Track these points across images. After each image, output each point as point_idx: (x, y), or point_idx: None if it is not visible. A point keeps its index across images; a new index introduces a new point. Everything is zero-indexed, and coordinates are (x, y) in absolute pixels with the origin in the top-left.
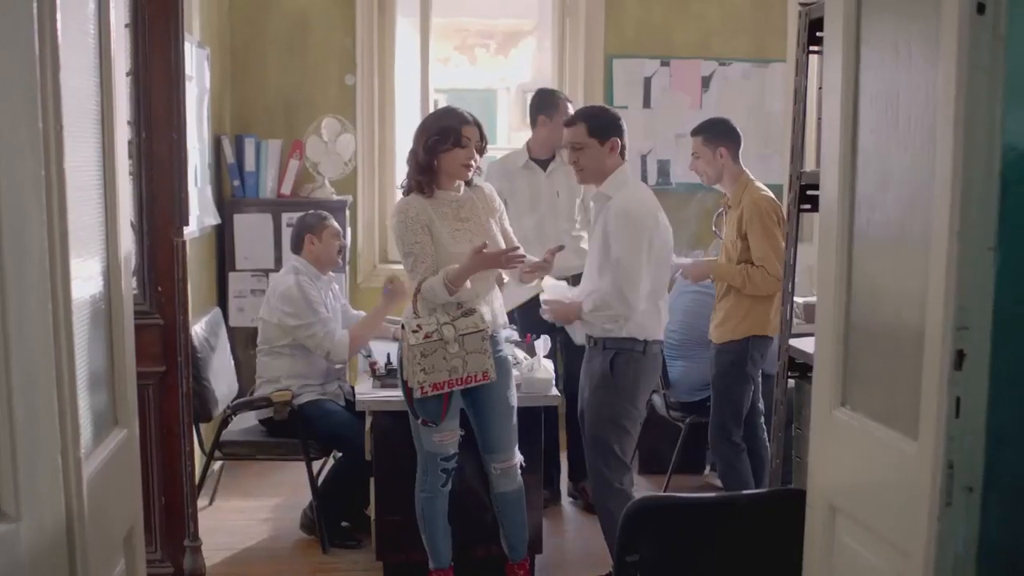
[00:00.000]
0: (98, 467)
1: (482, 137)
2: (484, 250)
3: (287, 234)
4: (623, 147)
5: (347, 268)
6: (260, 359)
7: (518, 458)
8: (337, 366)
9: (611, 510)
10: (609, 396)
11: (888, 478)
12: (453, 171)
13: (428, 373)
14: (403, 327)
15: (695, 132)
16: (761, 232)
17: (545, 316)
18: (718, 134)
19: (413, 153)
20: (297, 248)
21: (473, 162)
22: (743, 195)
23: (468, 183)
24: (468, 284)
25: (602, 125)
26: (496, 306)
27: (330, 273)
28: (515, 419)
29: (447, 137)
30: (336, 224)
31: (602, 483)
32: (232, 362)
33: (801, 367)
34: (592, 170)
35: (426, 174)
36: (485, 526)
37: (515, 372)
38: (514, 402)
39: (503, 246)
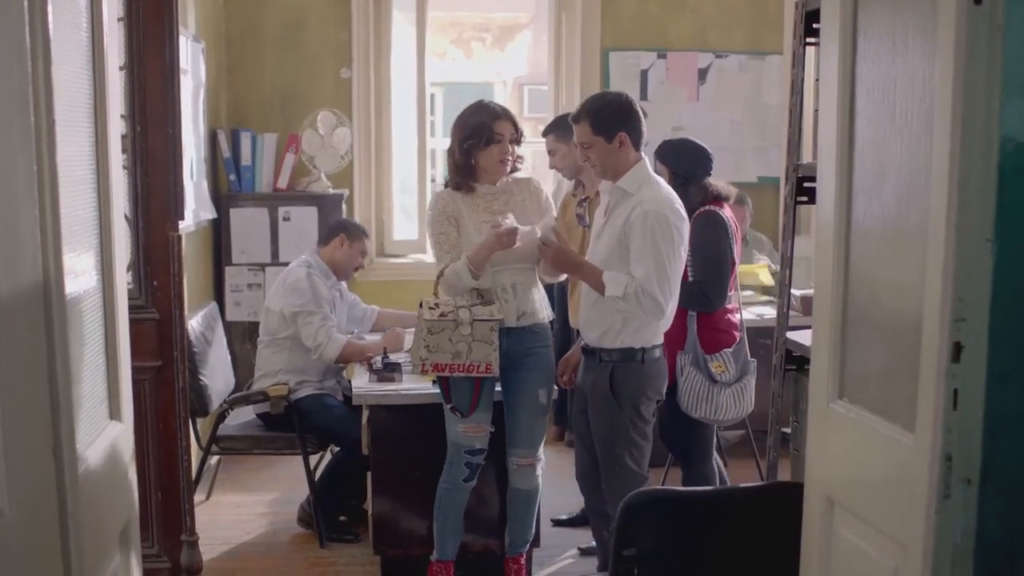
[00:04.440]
0: (93, 462)
1: (516, 128)
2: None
3: (284, 228)
4: (637, 137)
5: None
6: (260, 351)
7: (540, 458)
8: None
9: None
10: (613, 411)
11: (886, 471)
12: (491, 168)
13: (432, 352)
14: (420, 305)
15: (546, 132)
16: None
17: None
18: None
19: (450, 152)
20: (326, 241)
21: (509, 157)
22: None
23: (513, 174)
24: (491, 270)
25: (606, 121)
26: (533, 301)
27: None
28: (544, 418)
29: (480, 135)
30: (369, 246)
31: (619, 499)
32: (229, 357)
33: (798, 360)
34: (606, 167)
35: (463, 172)
36: (485, 520)
37: None
38: (545, 401)
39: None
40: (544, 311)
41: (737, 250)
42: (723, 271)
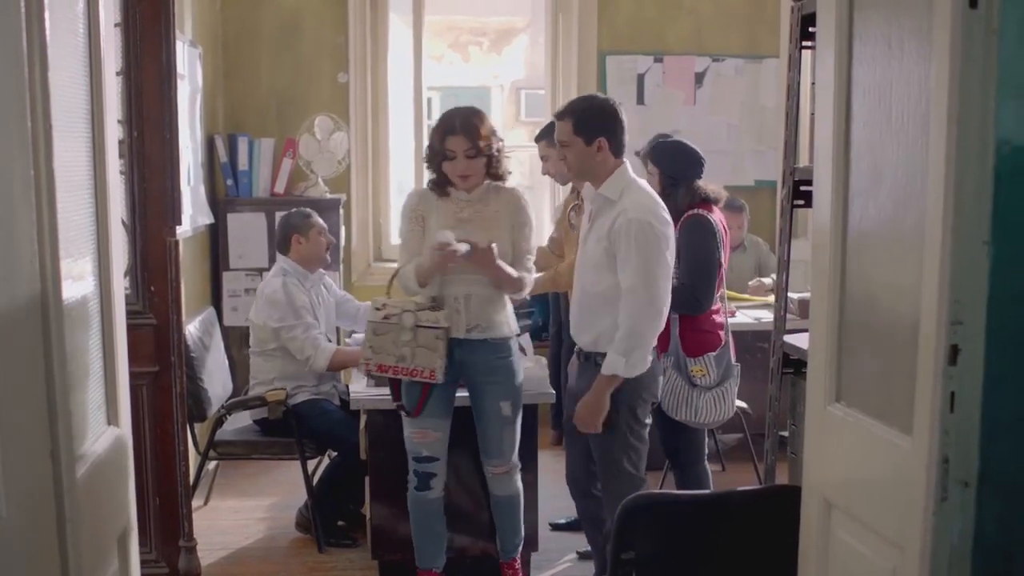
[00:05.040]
0: (91, 467)
1: (474, 142)
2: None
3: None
4: (618, 145)
5: (341, 267)
6: (253, 360)
7: (516, 464)
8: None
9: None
10: (609, 415)
11: (883, 473)
12: (454, 180)
13: (376, 352)
14: (371, 303)
15: (538, 138)
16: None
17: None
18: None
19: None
20: (284, 249)
21: (467, 172)
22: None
23: (501, 180)
24: (445, 279)
25: (588, 122)
26: (488, 314)
27: (319, 270)
28: (512, 428)
29: (434, 154)
30: (321, 221)
31: (616, 502)
32: (226, 362)
33: (796, 363)
34: (580, 170)
35: (437, 178)
36: (480, 525)
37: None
38: (509, 412)
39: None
40: (505, 326)
41: (725, 254)
42: (711, 273)
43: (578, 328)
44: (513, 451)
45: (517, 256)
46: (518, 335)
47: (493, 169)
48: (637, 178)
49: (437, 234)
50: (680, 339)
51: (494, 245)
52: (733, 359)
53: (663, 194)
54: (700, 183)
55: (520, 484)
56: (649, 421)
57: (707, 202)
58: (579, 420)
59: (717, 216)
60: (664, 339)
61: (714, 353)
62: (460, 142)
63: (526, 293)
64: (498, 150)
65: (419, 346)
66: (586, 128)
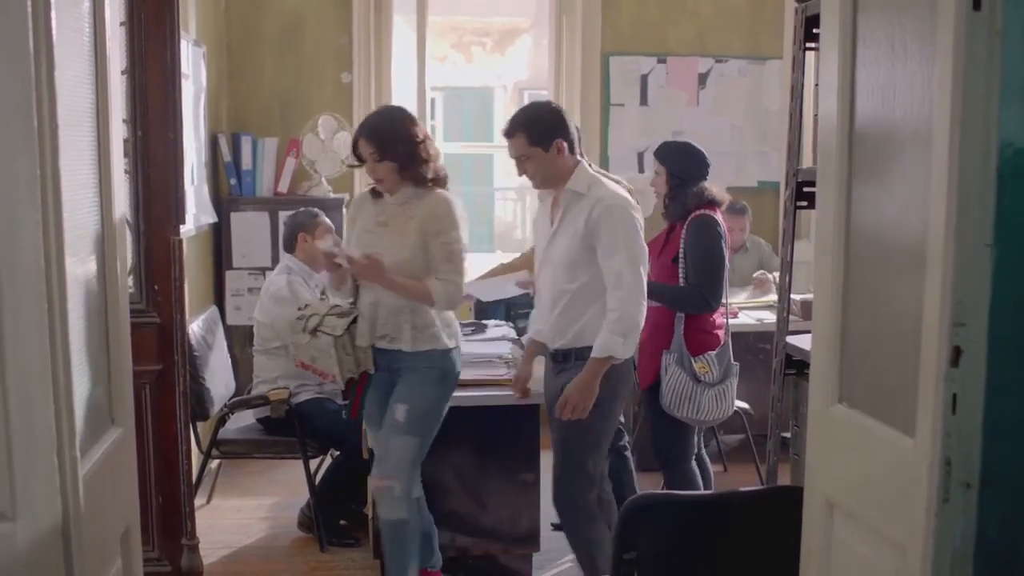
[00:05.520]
0: (94, 466)
1: (373, 146)
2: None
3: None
4: (572, 143)
5: None
6: (256, 359)
7: (395, 483)
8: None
9: (578, 532)
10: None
11: (885, 475)
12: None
13: (297, 348)
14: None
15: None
16: None
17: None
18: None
19: None
20: (290, 247)
21: (376, 176)
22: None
23: (424, 185)
24: (362, 285)
25: (541, 131)
26: (398, 324)
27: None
28: (401, 438)
29: (356, 157)
30: (329, 221)
31: (569, 501)
32: (229, 361)
33: (798, 364)
34: (545, 177)
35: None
36: (480, 525)
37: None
38: (402, 418)
39: (404, 261)
40: (424, 338)
41: (727, 256)
42: (720, 273)
43: (555, 329)
44: (398, 466)
45: (432, 264)
46: (448, 350)
47: (409, 173)
48: (596, 172)
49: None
50: (684, 336)
51: (374, 254)
52: (732, 358)
53: (670, 194)
54: (706, 184)
55: (407, 515)
56: (619, 420)
57: (712, 204)
58: (571, 403)
59: (720, 218)
60: (667, 336)
61: (715, 351)
62: (365, 146)
63: (444, 305)
64: (419, 154)
65: (319, 349)
66: (541, 136)
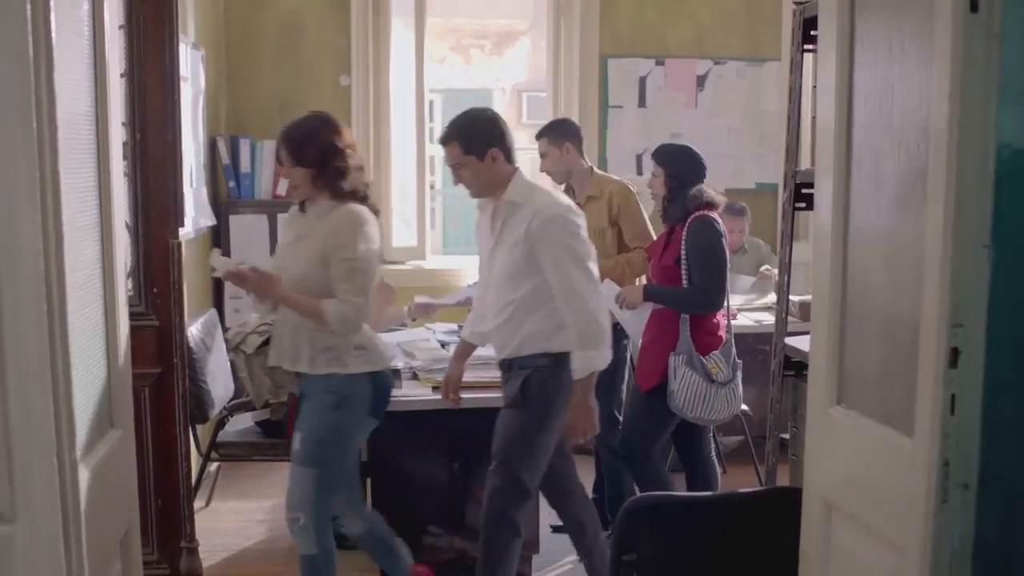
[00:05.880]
0: (94, 469)
1: (284, 150)
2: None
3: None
4: (508, 152)
5: None
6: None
7: (299, 517)
8: None
9: (496, 542)
10: (521, 418)
11: (884, 476)
12: None
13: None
14: None
15: (539, 135)
16: (635, 214)
17: (617, 303)
18: (562, 132)
19: None
20: None
21: (289, 182)
22: (605, 185)
23: (341, 198)
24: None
25: (476, 140)
26: (292, 342)
27: None
28: (299, 471)
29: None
30: None
31: (496, 511)
32: (228, 363)
33: (797, 365)
34: (481, 186)
35: None
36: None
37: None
38: (298, 446)
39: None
40: (318, 364)
41: (728, 256)
42: (722, 272)
43: (500, 340)
44: (301, 499)
45: (332, 282)
46: (354, 375)
47: (324, 183)
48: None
49: (212, 259)
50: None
51: (250, 267)
52: (736, 355)
53: (669, 196)
54: (703, 187)
55: (316, 550)
56: (559, 432)
57: (710, 206)
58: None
59: (719, 219)
60: (671, 338)
61: (719, 351)
62: (280, 149)
63: (339, 327)
64: (335, 163)
65: (239, 367)
66: (475, 144)
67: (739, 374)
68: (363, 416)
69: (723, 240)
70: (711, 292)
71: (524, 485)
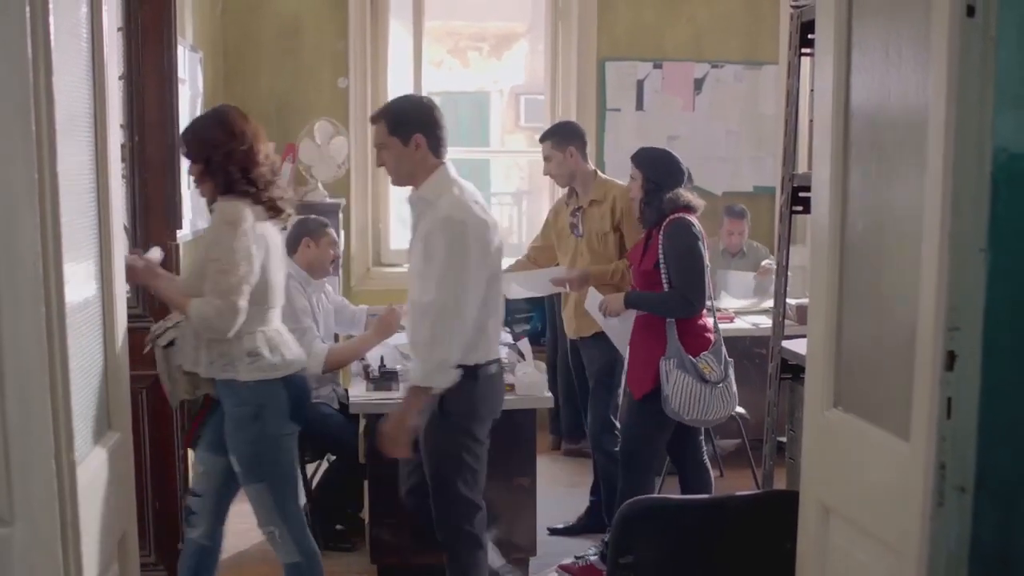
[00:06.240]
0: (92, 471)
1: (184, 143)
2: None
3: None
4: (436, 144)
5: (340, 271)
6: None
7: (272, 530)
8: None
9: (460, 558)
10: (443, 433)
11: (880, 479)
12: None
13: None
14: None
15: (543, 138)
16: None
17: (601, 311)
18: (565, 136)
19: None
20: (292, 250)
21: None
22: (608, 189)
23: (228, 195)
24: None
25: (403, 121)
26: (189, 348)
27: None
28: (253, 491)
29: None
30: (335, 234)
31: (450, 528)
32: None
33: (794, 368)
34: (400, 172)
35: None
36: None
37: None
38: (239, 470)
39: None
40: (214, 368)
41: (707, 257)
42: (700, 274)
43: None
44: (266, 518)
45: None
46: (248, 383)
47: (212, 179)
48: (463, 181)
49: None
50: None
51: (140, 256)
52: (727, 355)
53: (645, 199)
54: (681, 190)
55: (299, 557)
56: (487, 441)
57: (688, 208)
58: (381, 439)
59: (696, 222)
60: (658, 343)
61: (708, 351)
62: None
63: (201, 327)
64: (223, 161)
65: (157, 364)
66: (401, 127)
67: (732, 373)
68: (285, 422)
69: (700, 242)
70: (690, 295)
71: (464, 495)
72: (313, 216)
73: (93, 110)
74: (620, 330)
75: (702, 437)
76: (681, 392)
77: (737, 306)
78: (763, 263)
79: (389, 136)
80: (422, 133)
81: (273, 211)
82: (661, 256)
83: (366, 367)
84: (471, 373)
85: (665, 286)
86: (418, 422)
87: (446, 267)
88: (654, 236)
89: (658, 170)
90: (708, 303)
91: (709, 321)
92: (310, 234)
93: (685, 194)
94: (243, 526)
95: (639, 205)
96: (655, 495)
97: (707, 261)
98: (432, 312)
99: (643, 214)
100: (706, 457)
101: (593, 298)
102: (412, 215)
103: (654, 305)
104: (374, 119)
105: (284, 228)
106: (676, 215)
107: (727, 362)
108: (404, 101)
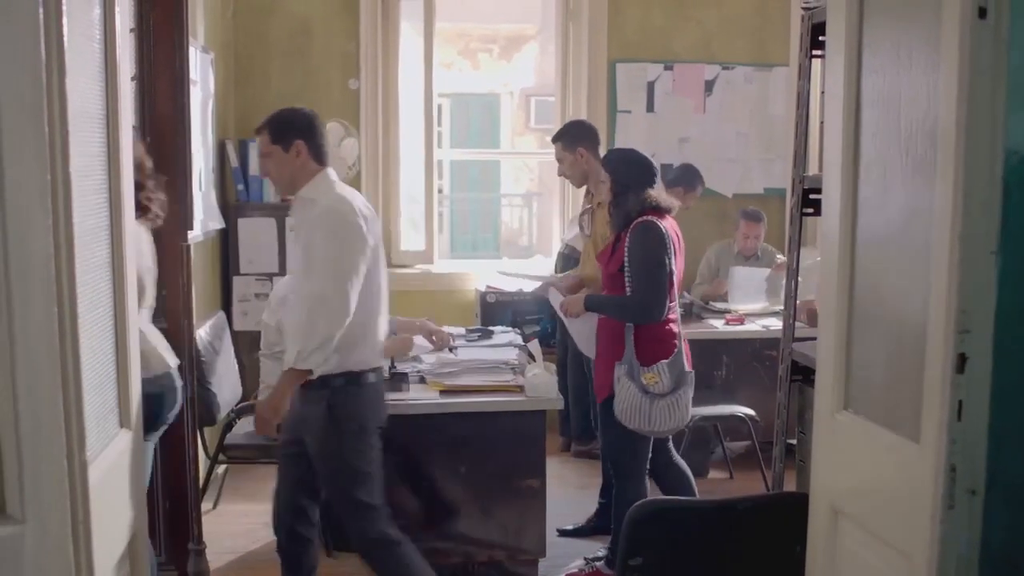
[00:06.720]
0: (103, 470)
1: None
2: None
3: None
4: (317, 150)
5: None
6: (263, 363)
7: None
8: None
9: (383, 563)
10: (334, 443)
11: (891, 481)
12: None
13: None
14: None
15: (554, 139)
16: None
17: (561, 312)
18: (576, 136)
19: None
20: None
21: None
22: None
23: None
24: None
25: (284, 130)
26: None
27: None
28: None
29: None
30: None
31: (362, 537)
32: (236, 366)
33: (804, 370)
34: (283, 178)
35: None
36: (489, 529)
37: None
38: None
39: None
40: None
41: (678, 262)
42: (659, 282)
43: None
44: None
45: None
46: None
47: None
48: (346, 186)
49: None
50: (634, 347)
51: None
52: (687, 367)
53: (614, 202)
54: (652, 192)
55: None
56: (379, 446)
57: (657, 210)
58: (263, 419)
59: (668, 224)
60: (619, 348)
61: (667, 361)
62: None
63: None
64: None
65: None
66: (282, 135)
67: (687, 386)
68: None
69: (664, 246)
70: (649, 302)
71: (364, 502)
72: None
73: (105, 111)
74: (582, 331)
75: (669, 442)
76: (624, 400)
77: (747, 309)
78: (778, 257)
79: (271, 144)
80: (302, 140)
81: (153, 225)
82: (626, 259)
83: None
84: (355, 379)
85: (628, 290)
86: (287, 406)
87: (325, 254)
88: (622, 238)
89: (625, 172)
90: (674, 312)
91: (675, 329)
92: None
93: (655, 195)
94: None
95: (608, 208)
96: (664, 498)
97: (677, 267)
98: (311, 297)
99: (612, 217)
100: (678, 458)
101: (555, 299)
102: (294, 218)
103: (612, 310)
104: (258, 130)
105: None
106: (644, 218)
107: (684, 373)
108: (286, 111)
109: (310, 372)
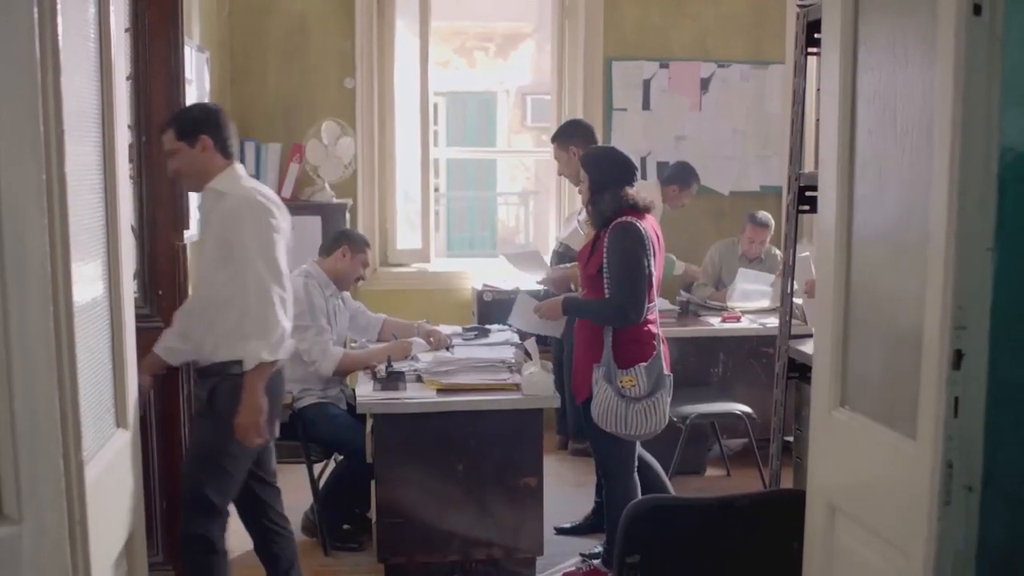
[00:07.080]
0: (100, 470)
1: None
2: None
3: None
4: (224, 145)
5: None
6: None
7: None
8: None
9: (189, 559)
10: (208, 430)
11: (887, 478)
12: None
13: None
14: None
15: (552, 138)
16: None
17: (537, 314)
18: (569, 135)
19: None
20: (327, 251)
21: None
22: None
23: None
24: None
25: (189, 127)
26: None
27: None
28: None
29: None
30: (370, 258)
31: (190, 531)
32: None
33: (800, 368)
34: (191, 175)
35: None
36: (488, 527)
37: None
38: None
39: None
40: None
41: (657, 262)
42: (637, 284)
43: (202, 340)
44: None
45: None
46: None
47: None
48: (253, 179)
49: None
50: (612, 350)
51: None
52: (666, 370)
53: (591, 201)
54: (629, 191)
55: None
56: (252, 453)
57: (635, 210)
58: (247, 429)
59: (647, 224)
60: (597, 350)
61: (645, 364)
62: None
63: None
64: None
65: None
66: (187, 131)
67: (664, 390)
68: None
69: (644, 247)
70: (626, 305)
71: (210, 500)
72: (360, 232)
73: (101, 110)
74: (551, 328)
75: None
76: (601, 403)
77: (744, 305)
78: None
79: (177, 141)
80: (208, 135)
81: None
82: (604, 261)
83: (373, 368)
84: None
85: (607, 292)
86: (264, 402)
87: (252, 245)
88: (601, 239)
89: (601, 170)
90: (654, 313)
91: (654, 331)
92: (351, 243)
93: (632, 194)
94: None
95: (586, 208)
96: (662, 495)
97: (656, 268)
98: (254, 291)
99: (591, 216)
100: (642, 451)
101: (525, 303)
102: (202, 210)
103: (589, 313)
104: (163, 128)
105: None
106: (623, 219)
107: (662, 377)
108: (191, 107)
109: (275, 363)
